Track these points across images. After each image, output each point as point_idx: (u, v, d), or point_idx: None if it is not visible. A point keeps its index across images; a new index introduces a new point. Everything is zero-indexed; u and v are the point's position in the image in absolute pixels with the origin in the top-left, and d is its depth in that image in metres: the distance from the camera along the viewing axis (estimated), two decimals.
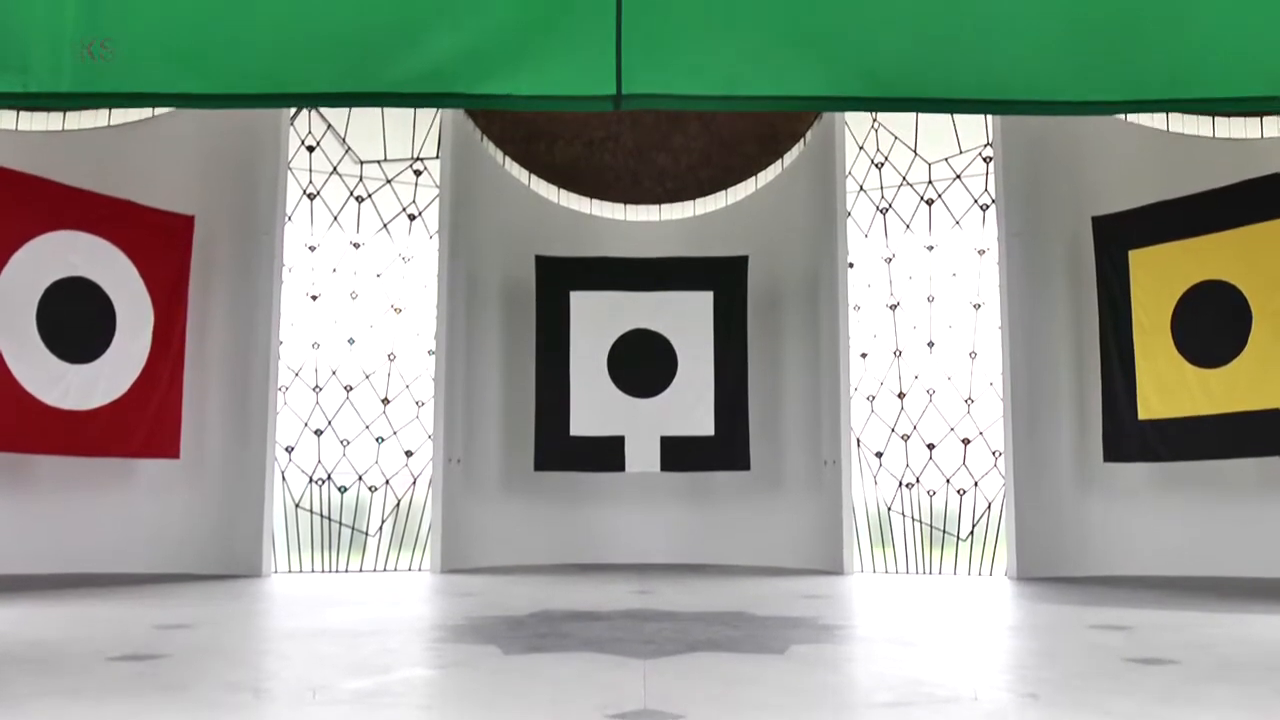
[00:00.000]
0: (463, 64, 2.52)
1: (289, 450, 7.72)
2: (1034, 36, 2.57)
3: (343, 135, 8.04)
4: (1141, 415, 7.05)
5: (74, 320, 6.86)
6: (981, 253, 7.83)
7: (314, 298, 7.95)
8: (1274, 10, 2.58)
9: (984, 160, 7.87)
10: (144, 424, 7.06)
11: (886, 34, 2.55)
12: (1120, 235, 7.30)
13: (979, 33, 2.56)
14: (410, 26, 2.54)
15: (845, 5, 2.55)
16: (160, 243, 7.29)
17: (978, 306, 7.81)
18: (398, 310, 8.17)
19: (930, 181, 8.03)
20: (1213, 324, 6.83)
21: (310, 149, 7.98)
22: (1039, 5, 2.58)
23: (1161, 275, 7.12)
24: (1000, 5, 2.56)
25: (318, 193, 8.01)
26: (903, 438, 7.92)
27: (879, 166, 8.17)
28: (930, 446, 7.84)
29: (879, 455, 7.98)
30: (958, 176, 7.95)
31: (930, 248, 8.01)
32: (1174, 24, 2.58)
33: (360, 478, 7.94)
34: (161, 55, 2.59)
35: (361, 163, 8.15)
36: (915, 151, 8.06)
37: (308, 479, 7.80)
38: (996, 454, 7.57)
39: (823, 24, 2.54)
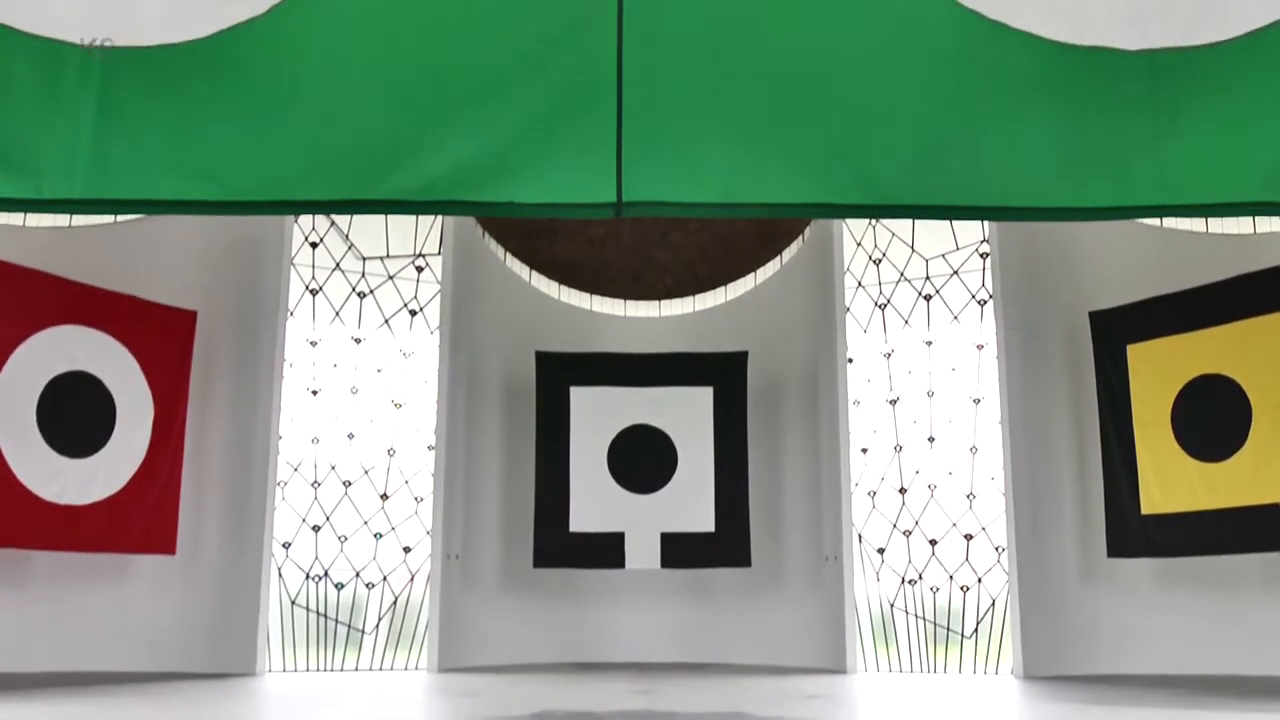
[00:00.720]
0: (466, 172, 2.57)
1: (286, 546, 7.65)
2: (1025, 145, 2.63)
3: (346, 232, 8.14)
4: (1145, 510, 6.99)
5: (74, 415, 6.86)
6: (980, 348, 7.86)
7: (314, 393, 7.95)
8: (1259, 117, 2.65)
9: (981, 256, 7.95)
10: (141, 519, 7.00)
11: (880, 143, 2.61)
12: (1118, 330, 7.33)
13: (971, 141, 2.62)
14: (415, 136, 2.59)
15: (839, 114, 2.61)
16: (163, 337, 7.32)
17: (978, 401, 7.82)
18: (398, 405, 8.17)
19: (928, 277, 8.10)
20: (1213, 418, 6.82)
21: (314, 245, 8.07)
22: (1029, 114, 2.64)
23: (1160, 369, 7.13)
24: (992, 115, 2.62)
25: (320, 288, 8.07)
26: (905, 533, 7.85)
27: (877, 263, 8.25)
28: (933, 542, 7.77)
29: (881, 551, 7.90)
30: (955, 272, 8.03)
31: (929, 343, 8.04)
32: (1161, 132, 2.64)
33: (357, 574, 7.85)
34: (172, 163, 2.65)
35: (364, 259, 8.23)
36: (913, 248, 8.15)
37: (304, 575, 7.71)
38: (1000, 550, 7.49)
39: (817, 133, 2.60)
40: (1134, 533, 6.97)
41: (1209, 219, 7.33)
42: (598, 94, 2.57)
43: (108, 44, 2.68)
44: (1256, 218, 7.23)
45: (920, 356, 8.06)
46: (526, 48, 2.61)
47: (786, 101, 2.60)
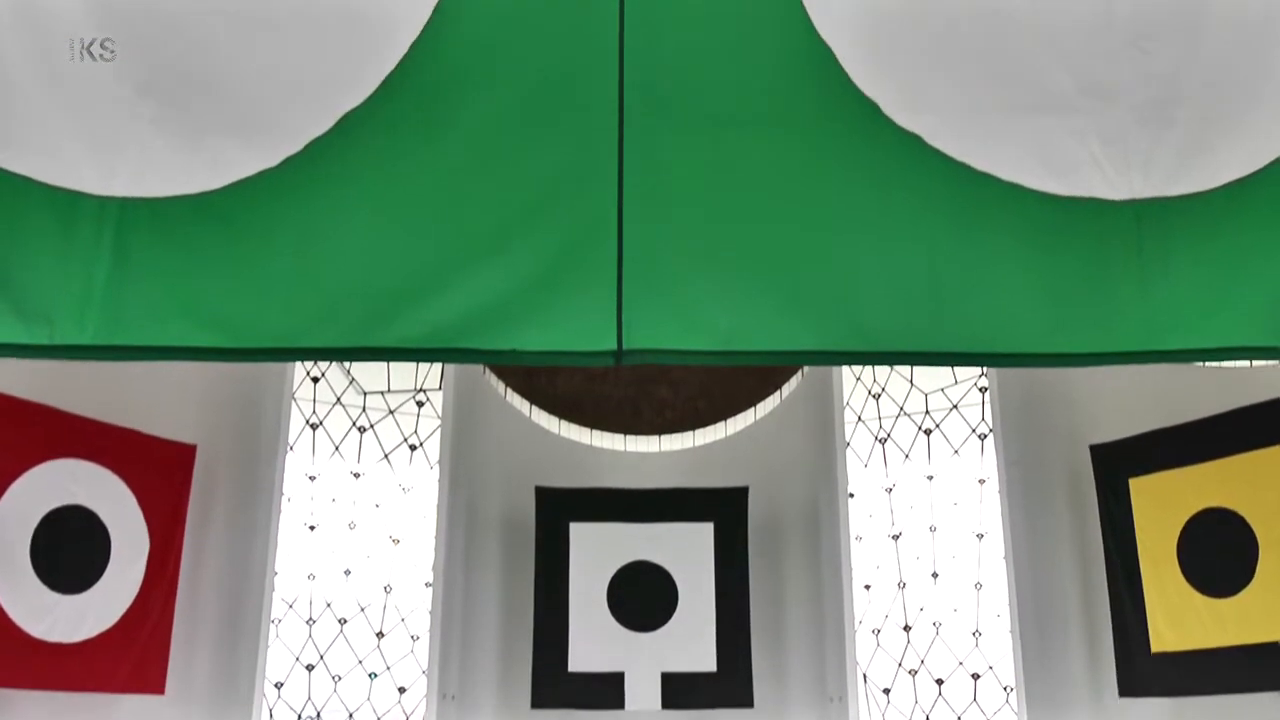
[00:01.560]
0: (471, 320, 2.63)
1: (278, 686, 7.46)
2: (1015, 293, 2.70)
3: (347, 366, 8.20)
4: (1155, 648, 6.86)
5: (68, 550, 6.79)
6: (982, 482, 7.83)
7: (311, 528, 7.89)
8: (1242, 264, 2.72)
9: (979, 390, 7.99)
10: (130, 658, 6.86)
11: (874, 292, 2.68)
12: (1120, 463, 7.32)
13: (962, 290, 2.69)
14: (421, 285, 2.66)
15: (834, 264, 2.68)
16: (161, 472, 7.30)
17: (981, 536, 7.75)
18: (396, 541, 8.09)
19: (928, 411, 8.13)
20: (1220, 552, 6.75)
21: (315, 380, 8.12)
22: (1019, 263, 2.72)
23: (1164, 503, 7.09)
24: (982, 263, 2.70)
25: (320, 422, 8.09)
26: (910, 673, 7.68)
27: (876, 397, 8.29)
28: (939, 682, 7.58)
29: (886, 692, 7.72)
30: (954, 407, 8.06)
31: (930, 477, 8.01)
32: (1148, 279, 2.70)
33: (351, 715, 7.64)
34: (182, 310, 2.70)
35: (365, 393, 8.27)
36: (911, 382, 8.20)
37: (297, 717, 7.50)
38: (1008, 689, 7.32)
39: (814, 282, 2.67)
40: (1145, 671, 6.82)
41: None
42: (598, 243, 2.64)
43: (124, 195, 2.77)
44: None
45: (922, 491, 8.02)
46: (529, 198, 2.70)
47: (783, 251, 2.68)
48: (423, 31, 2.75)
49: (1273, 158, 2.78)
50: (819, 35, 2.75)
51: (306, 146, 2.76)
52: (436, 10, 2.76)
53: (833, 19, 2.77)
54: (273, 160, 2.76)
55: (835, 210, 2.71)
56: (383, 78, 2.76)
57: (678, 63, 2.74)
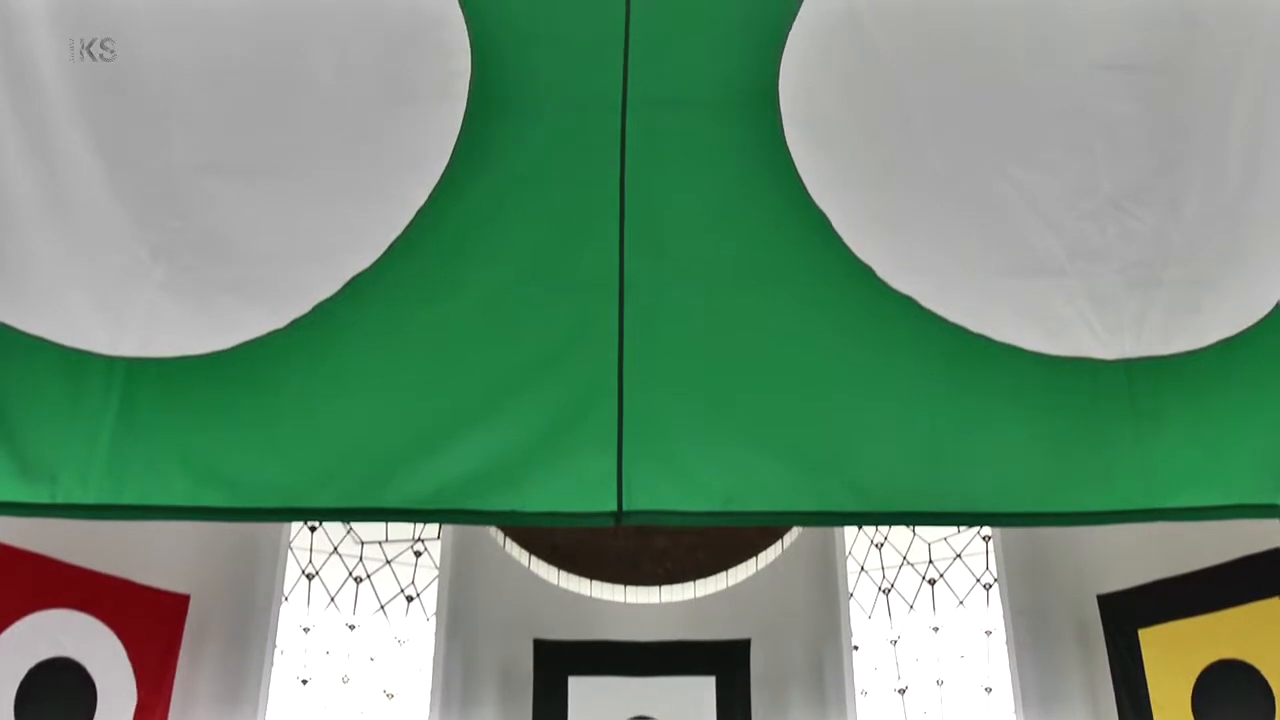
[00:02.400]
0: (470, 482, 2.65)
1: None
2: (1011, 453, 2.73)
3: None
4: None
5: (54, 704, 6.63)
6: (988, 633, 7.68)
7: (304, 681, 7.71)
8: (1237, 422, 2.75)
9: (983, 539, 7.92)
10: None
11: (872, 453, 2.71)
12: (1128, 613, 7.20)
13: (959, 450, 2.71)
14: (424, 445, 2.68)
15: (833, 426, 2.71)
16: (152, 622, 7.18)
17: (989, 690, 7.56)
18: (390, 696, 7.89)
19: (931, 561, 8.04)
20: (1235, 707, 6.58)
21: (312, 529, 8.06)
22: (1014, 423, 2.75)
23: (1176, 654, 6.95)
24: (978, 424, 2.73)
25: (316, 572, 7.99)
26: None
27: (879, 546, 8.21)
28: None
29: None
30: (958, 556, 7.98)
31: (936, 629, 7.87)
32: (1143, 438, 2.73)
33: None
34: (185, 469, 2.72)
35: (363, 543, 8.20)
36: (914, 532, 8.14)
37: None
38: None
39: (810, 443, 2.69)
40: None
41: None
42: (598, 404, 2.67)
43: (132, 355, 2.81)
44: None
45: (928, 643, 7.86)
46: (531, 360, 2.74)
47: (781, 413, 2.71)
48: (429, 199, 2.85)
49: (1259, 317, 2.84)
50: (813, 200, 2.84)
51: (314, 308, 2.82)
52: (442, 179, 2.86)
53: (826, 185, 2.86)
54: (281, 321, 2.81)
55: (831, 372, 2.75)
56: (390, 242, 2.84)
57: (677, 226, 2.83)
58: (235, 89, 2.94)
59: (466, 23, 2.97)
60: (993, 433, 2.73)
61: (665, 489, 2.62)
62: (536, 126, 2.89)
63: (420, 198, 2.85)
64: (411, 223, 2.84)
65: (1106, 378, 2.79)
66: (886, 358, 2.77)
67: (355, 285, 2.83)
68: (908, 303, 2.80)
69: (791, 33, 2.95)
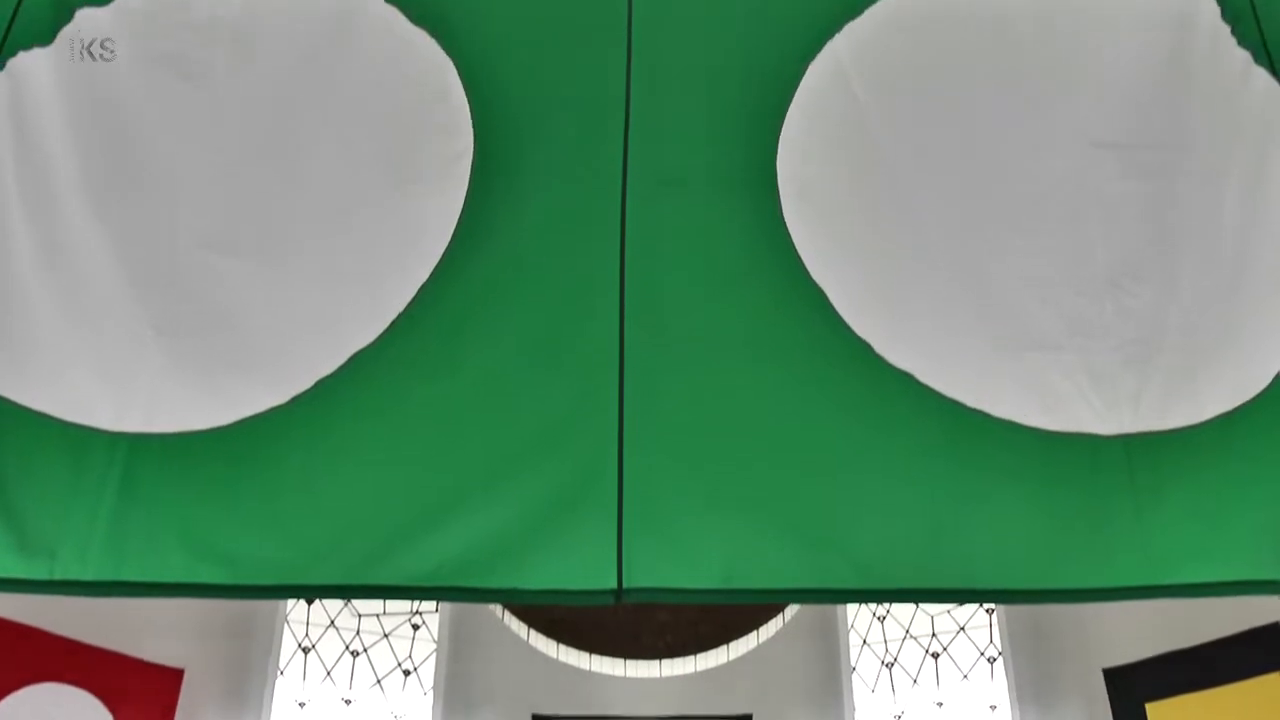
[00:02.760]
0: (469, 559, 2.64)
1: None
2: (1011, 529, 2.72)
3: None
4: None
5: None
6: (993, 708, 7.58)
7: None
8: (1237, 498, 2.74)
9: (986, 612, 7.85)
10: None
11: (872, 529, 2.70)
12: (1134, 688, 7.12)
13: (959, 527, 2.71)
14: (421, 523, 2.68)
15: (830, 502, 2.72)
16: (145, 697, 7.10)
17: None
18: None
19: (934, 634, 7.96)
20: None
21: (309, 601, 7.99)
22: (1014, 499, 2.75)
23: None
24: (977, 500, 2.73)
25: (313, 646, 7.91)
26: None
27: (881, 619, 8.13)
28: None
29: None
30: (961, 629, 7.90)
31: (940, 704, 7.76)
32: (1143, 513, 2.73)
33: None
34: (184, 545, 2.71)
35: (360, 616, 8.12)
36: (917, 604, 8.07)
37: None
38: None
39: (810, 521, 2.70)
40: None
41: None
42: (598, 482, 2.67)
43: (135, 431, 2.82)
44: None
45: (932, 718, 7.74)
46: (531, 436, 2.75)
47: (780, 490, 2.70)
48: (431, 277, 2.88)
49: (1257, 391, 2.85)
50: (811, 277, 2.87)
51: (316, 384, 2.83)
52: (444, 257, 2.89)
53: (824, 261, 2.89)
54: (283, 397, 2.82)
55: (831, 448, 2.76)
56: (392, 319, 2.86)
57: (676, 303, 2.85)
58: (241, 170, 2.99)
59: (469, 101, 3.03)
60: (992, 508, 2.72)
61: (665, 566, 2.61)
62: (538, 204, 2.93)
63: (422, 275, 2.88)
64: (413, 300, 2.86)
65: (1105, 453, 2.79)
66: (885, 433, 2.77)
67: (357, 361, 2.84)
68: (906, 378, 2.82)
69: (789, 111, 3.00)
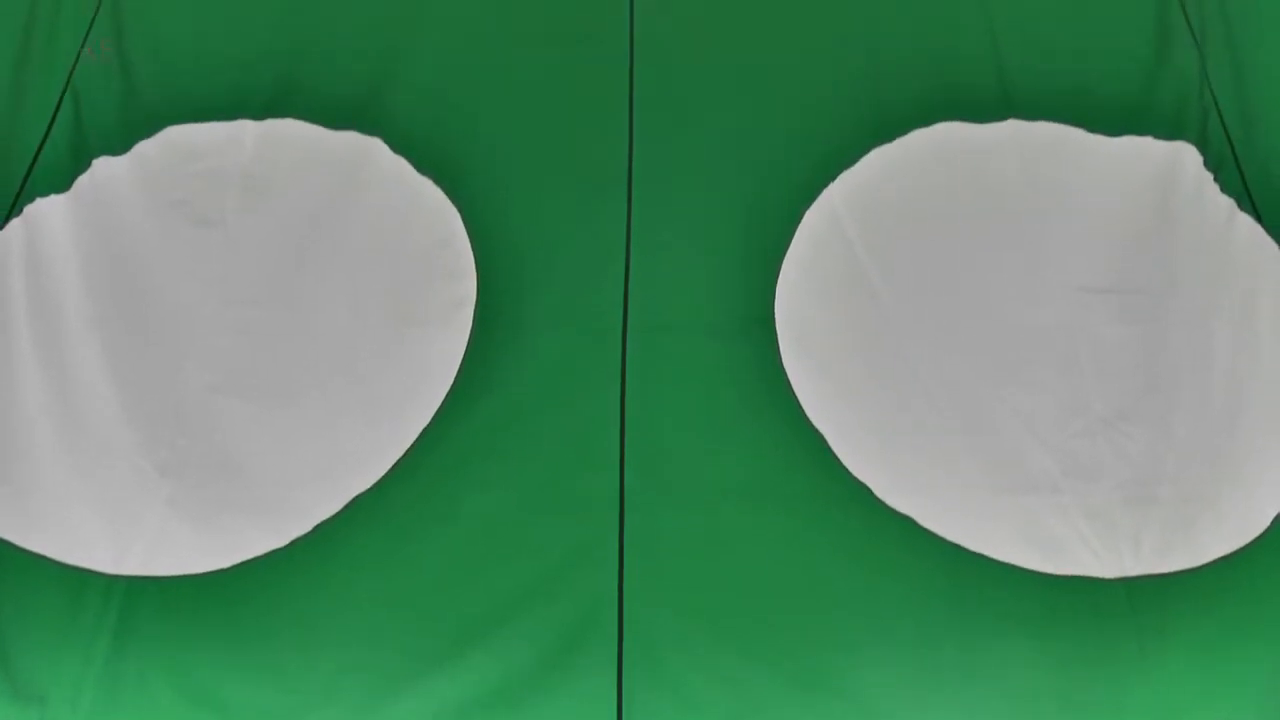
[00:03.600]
0: (466, 705, 2.65)
1: None
2: (1016, 673, 2.73)
3: None
4: None
5: None
6: None
7: None
8: (1240, 642, 2.75)
9: None
10: None
11: (872, 674, 2.69)
12: None
13: (962, 671, 2.70)
14: (418, 668, 2.69)
15: (831, 647, 2.73)
16: None
17: None
18: None
19: None
20: None
21: None
22: (1016, 643, 2.76)
23: None
24: (979, 647, 2.75)
25: None
26: None
27: None
28: None
29: None
30: None
31: None
32: (1148, 656, 2.73)
33: None
34: (178, 690, 2.71)
35: None
36: None
37: None
38: None
39: (810, 665, 2.71)
40: None
41: None
42: (598, 627, 2.67)
43: (133, 574, 2.81)
44: None
45: None
46: (530, 582, 2.75)
47: (784, 635, 2.70)
48: (432, 421, 2.91)
49: (1257, 533, 2.87)
50: (810, 421, 2.91)
51: (316, 528, 2.84)
52: (446, 401, 2.93)
53: (822, 406, 2.93)
54: (281, 541, 2.83)
55: (832, 592, 2.76)
56: (392, 463, 2.88)
57: (676, 449, 2.88)
58: (249, 314, 3.04)
59: (472, 246, 3.10)
60: (996, 651, 2.72)
61: (666, 712, 2.59)
62: (539, 350, 2.98)
63: (423, 420, 2.91)
64: (414, 444, 2.89)
65: (1107, 596, 2.79)
66: (887, 577, 2.78)
67: (356, 505, 2.86)
68: (906, 522, 2.83)
69: (786, 257, 3.07)
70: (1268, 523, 2.87)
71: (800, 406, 2.92)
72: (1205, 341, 3.03)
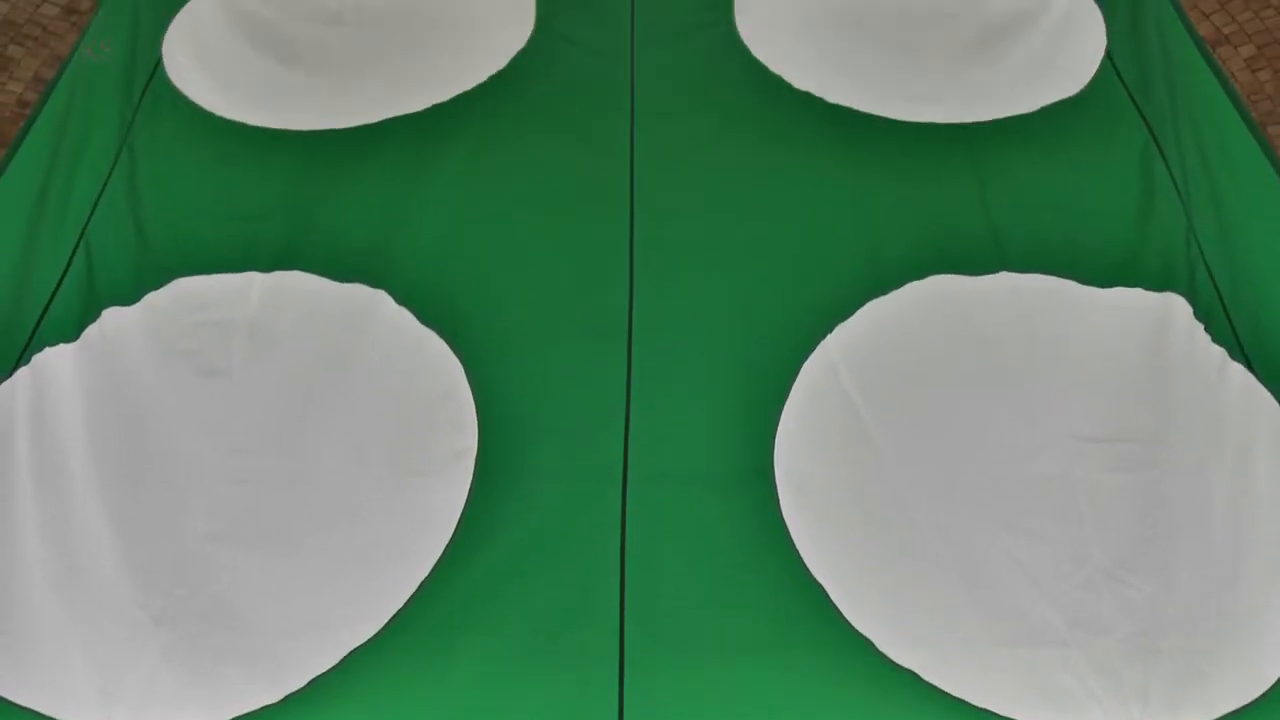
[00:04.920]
0: None
1: None
2: None
3: None
4: None
5: None
6: None
7: None
8: None
9: None
10: None
11: None
12: None
13: None
14: None
15: None
16: None
17: None
18: None
19: None
20: None
21: None
22: None
23: None
24: None
25: None
26: None
27: None
28: None
29: None
30: None
31: None
32: None
33: None
34: None
35: None
36: None
37: None
38: None
39: None
40: None
41: None
42: None
43: None
44: None
45: None
46: None
47: None
48: (432, 572, 2.90)
49: (1266, 687, 2.83)
50: (811, 574, 2.90)
51: (311, 682, 2.80)
52: (446, 552, 2.93)
53: (823, 558, 2.92)
54: (275, 695, 2.79)
55: None
56: (391, 614, 2.86)
57: (677, 600, 2.87)
58: (252, 463, 3.07)
59: (474, 398, 3.14)
60: None
61: None
62: (539, 500, 2.99)
63: (423, 570, 2.90)
64: (413, 595, 2.87)
65: None
66: None
67: (354, 657, 2.83)
68: (909, 676, 2.80)
69: (785, 409, 3.11)
70: (1277, 676, 2.83)
71: (801, 559, 2.91)
72: (1203, 491, 3.04)
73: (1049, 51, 4.03)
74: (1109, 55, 4.00)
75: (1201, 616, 2.91)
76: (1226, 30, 7.73)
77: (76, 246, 3.40)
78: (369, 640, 2.84)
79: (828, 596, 2.87)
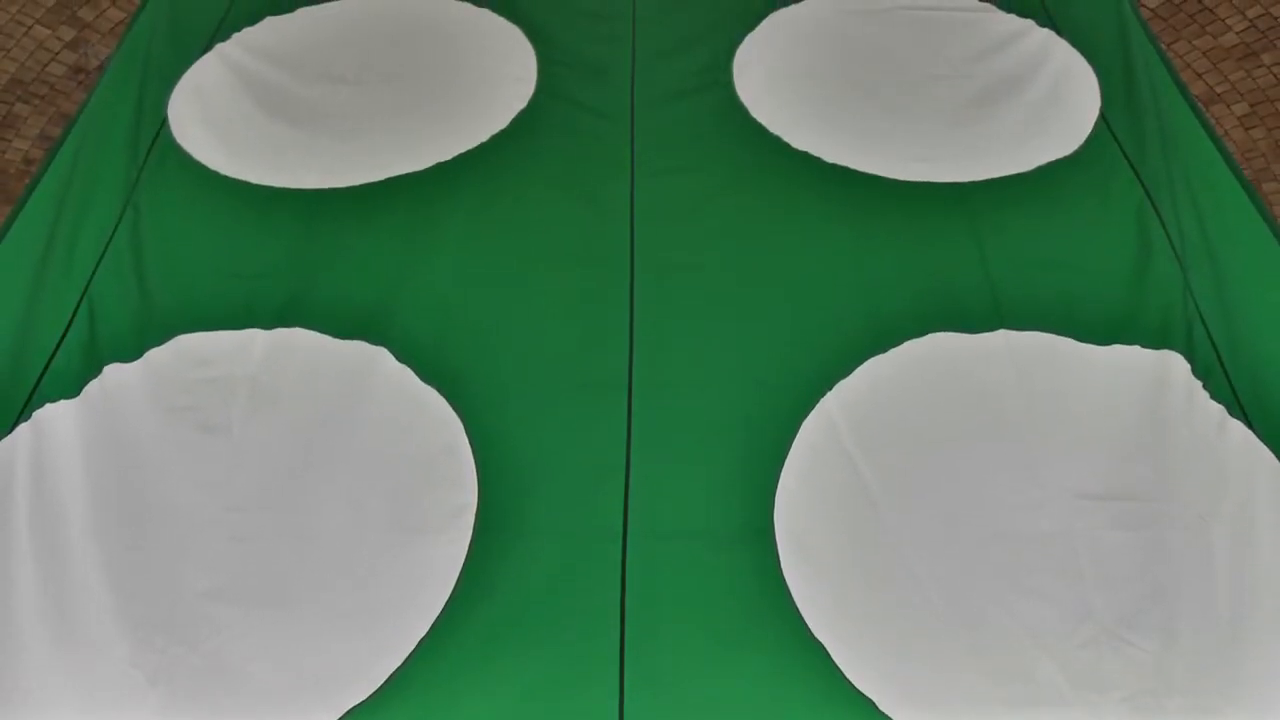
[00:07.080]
0: None
1: None
2: None
3: None
4: None
5: None
6: None
7: None
8: None
9: None
10: None
11: None
12: None
13: None
14: None
15: None
16: None
17: None
18: None
19: None
20: None
21: None
22: None
23: None
24: None
25: None
26: None
27: None
28: None
29: None
30: None
31: None
32: None
33: None
34: None
35: None
36: None
37: None
38: None
39: None
40: None
41: None
42: None
43: None
44: None
45: None
46: None
47: None
48: (430, 630, 2.88)
49: None
50: (812, 633, 2.88)
51: None
52: (445, 609, 2.91)
53: (824, 617, 2.91)
54: None
55: None
56: (389, 673, 2.84)
57: (677, 660, 2.84)
58: (250, 519, 3.06)
59: (474, 455, 3.14)
60: None
61: None
62: (539, 557, 2.98)
63: (422, 628, 2.88)
64: (411, 654, 2.85)
65: None
66: None
67: (351, 717, 2.80)
68: None
69: (784, 467, 3.11)
70: None
71: (801, 617, 2.90)
72: (1205, 548, 3.03)
73: (1044, 111, 4.10)
74: (1103, 115, 4.06)
75: (1206, 674, 2.89)
76: (1219, 89, 7.85)
77: (80, 302, 3.42)
78: (366, 699, 2.82)
79: (829, 655, 2.85)
